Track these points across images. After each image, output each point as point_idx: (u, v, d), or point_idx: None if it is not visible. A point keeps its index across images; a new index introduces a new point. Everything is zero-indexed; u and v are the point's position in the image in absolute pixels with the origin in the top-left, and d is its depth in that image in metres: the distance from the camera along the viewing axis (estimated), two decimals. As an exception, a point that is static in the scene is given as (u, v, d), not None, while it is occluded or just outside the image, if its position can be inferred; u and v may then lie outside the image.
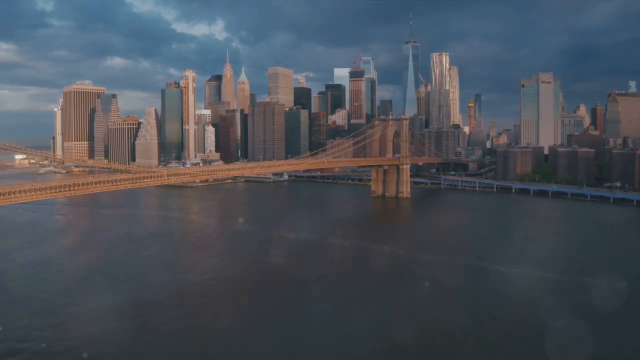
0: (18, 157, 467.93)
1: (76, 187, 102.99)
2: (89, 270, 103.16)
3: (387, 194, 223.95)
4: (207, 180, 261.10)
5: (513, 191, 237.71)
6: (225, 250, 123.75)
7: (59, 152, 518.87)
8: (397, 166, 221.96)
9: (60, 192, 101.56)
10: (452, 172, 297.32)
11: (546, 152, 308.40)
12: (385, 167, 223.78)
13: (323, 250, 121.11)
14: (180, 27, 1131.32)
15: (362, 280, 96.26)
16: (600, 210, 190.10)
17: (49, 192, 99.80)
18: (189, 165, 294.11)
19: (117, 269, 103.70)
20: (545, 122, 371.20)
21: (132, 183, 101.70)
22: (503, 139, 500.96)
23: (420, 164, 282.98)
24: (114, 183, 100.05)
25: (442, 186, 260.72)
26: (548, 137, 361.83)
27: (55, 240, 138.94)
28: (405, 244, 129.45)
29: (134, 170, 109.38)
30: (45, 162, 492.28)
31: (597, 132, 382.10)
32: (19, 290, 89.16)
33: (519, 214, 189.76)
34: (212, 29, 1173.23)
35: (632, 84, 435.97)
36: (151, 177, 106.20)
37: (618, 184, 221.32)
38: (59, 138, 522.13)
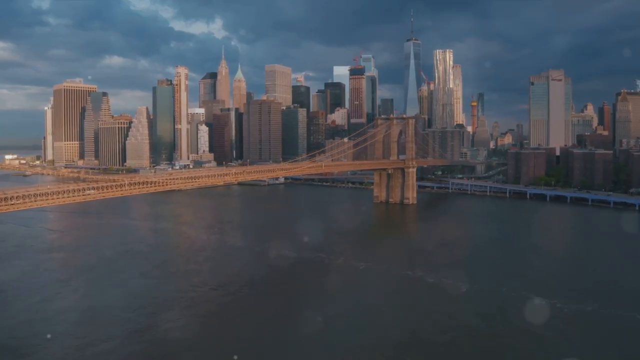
0: (8, 157, 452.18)
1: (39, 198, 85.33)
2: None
3: (391, 199, 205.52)
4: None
5: (528, 197, 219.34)
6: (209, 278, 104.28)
7: (49, 152, 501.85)
8: (403, 169, 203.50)
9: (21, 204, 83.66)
10: (459, 175, 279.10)
11: (557, 153, 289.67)
12: (389, 171, 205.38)
13: (318, 272, 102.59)
14: (178, 26, 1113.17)
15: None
16: (627, 219, 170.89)
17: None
18: (177, 168, 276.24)
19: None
20: (555, 122, 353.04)
21: (88, 196, 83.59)
22: (507, 139, 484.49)
23: (425, 166, 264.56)
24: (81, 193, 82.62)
25: (450, 190, 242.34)
26: (559, 137, 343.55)
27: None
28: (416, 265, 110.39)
29: (95, 179, 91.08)
30: (36, 162, 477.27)
31: (606, 132, 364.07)
32: None
33: (546, 226, 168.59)
34: (210, 28, 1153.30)
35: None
36: (111, 186, 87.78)
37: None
38: (49, 138, 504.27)
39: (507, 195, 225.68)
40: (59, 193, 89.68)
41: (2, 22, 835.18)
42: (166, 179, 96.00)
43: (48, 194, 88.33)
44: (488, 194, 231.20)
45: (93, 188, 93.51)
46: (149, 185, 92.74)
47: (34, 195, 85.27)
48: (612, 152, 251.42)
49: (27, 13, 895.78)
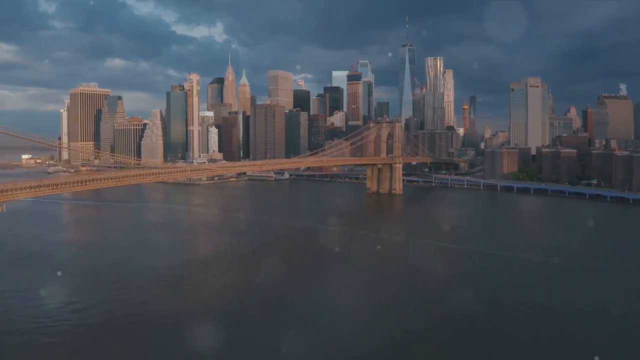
0: (24, 156, 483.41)
1: (104, 180, 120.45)
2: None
3: (381, 190, 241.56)
4: (212, 178, 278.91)
5: (498, 189, 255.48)
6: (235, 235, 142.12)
7: (65, 152, 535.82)
8: (391, 165, 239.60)
9: (80, 186, 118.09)
10: (444, 172, 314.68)
11: (533, 152, 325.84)
12: (379, 166, 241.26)
13: (318, 235, 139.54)
14: (180, 30, 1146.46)
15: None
16: (574, 205, 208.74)
17: (78, 185, 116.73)
18: (197, 164, 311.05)
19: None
20: (533, 124, 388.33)
21: (161, 176, 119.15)
22: (498, 140, 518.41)
23: (414, 163, 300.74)
24: (143, 176, 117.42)
25: (433, 184, 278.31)
26: (536, 138, 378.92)
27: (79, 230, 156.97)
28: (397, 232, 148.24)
29: (161, 166, 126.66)
30: (51, 161, 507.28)
31: (586, 134, 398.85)
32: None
33: (499, 208, 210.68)
34: (211, 31, 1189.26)
35: (623, 87, 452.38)
36: (176, 171, 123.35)
37: (594, 182, 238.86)
38: (65, 138, 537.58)
39: (481, 187, 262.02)
40: (126, 177, 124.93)
41: (9, 25, 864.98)
42: (215, 167, 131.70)
43: (122, 177, 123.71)
44: (465, 186, 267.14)
45: (152, 174, 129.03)
46: (203, 171, 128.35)
47: (117, 177, 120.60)
48: (576, 151, 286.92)
49: (33, 17, 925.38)
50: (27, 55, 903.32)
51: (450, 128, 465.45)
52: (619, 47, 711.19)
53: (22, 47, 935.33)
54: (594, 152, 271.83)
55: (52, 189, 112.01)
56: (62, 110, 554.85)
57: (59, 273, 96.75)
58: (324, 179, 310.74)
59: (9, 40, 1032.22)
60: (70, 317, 75.27)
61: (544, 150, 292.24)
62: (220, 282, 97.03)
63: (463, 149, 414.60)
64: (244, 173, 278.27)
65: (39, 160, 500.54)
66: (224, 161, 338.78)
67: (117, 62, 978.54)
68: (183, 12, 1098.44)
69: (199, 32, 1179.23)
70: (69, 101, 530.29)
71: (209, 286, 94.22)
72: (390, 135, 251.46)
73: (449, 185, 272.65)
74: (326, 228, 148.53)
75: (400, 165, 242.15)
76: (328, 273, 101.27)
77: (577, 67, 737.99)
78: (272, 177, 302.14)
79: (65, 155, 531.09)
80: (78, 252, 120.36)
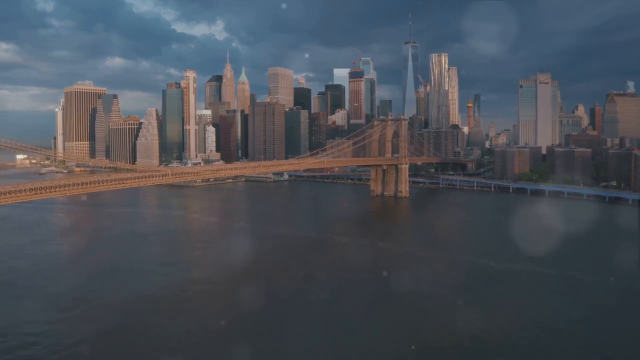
0: (19, 157, 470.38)
1: (80, 186, 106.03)
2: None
3: (386, 193, 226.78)
4: (208, 180, 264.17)
5: (510, 190, 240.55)
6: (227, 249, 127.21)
7: (60, 152, 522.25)
8: (396, 166, 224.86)
9: (65, 191, 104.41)
10: (451, 172, 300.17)
11: (544, 151, 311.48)
12: (384, 167, 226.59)
13: (320, 247, 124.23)
14: (180, 28, 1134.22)
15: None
16: (594, 209, 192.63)
17: (55, 191, 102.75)
18: (190, 165, 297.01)
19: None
20: (543, 123, 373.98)
21: (137, 181, 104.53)
22: (502, 139, 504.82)
23: (419, 163, 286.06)
24: (121, 182, 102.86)
25: (441, 186, 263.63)
26: (546, 137, 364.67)
27: (64, 238, 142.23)
28: (404, 241, 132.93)
29: (140, 169, 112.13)
30: (46, 161, 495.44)
31: (595, 133, 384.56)
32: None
33: (521, 213, 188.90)
34: (212, 29, 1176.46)
35: (631, 84, 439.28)
36: (156, 175, 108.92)
37: (614, 183, 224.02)
38: (60, 138, 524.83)
39: (492, 189, 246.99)
40: (104, 181, 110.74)
41: (6, 24, 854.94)
42: (201, 170, 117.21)
43: (94, 182, 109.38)
44: (475, 188, 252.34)
45: (135, 177, 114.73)
46: (186, 175, 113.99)
47: (89, 183, 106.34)
48: (591, 150, 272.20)
49: (31, 15, 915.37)
50: (26, 55, 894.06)
51: (455, 126, 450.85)
52: (624, 44, 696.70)
53: (21, 46, 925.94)
54: (610, 151, 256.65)
55: (34, 193, 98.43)
56: (57, 110, 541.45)
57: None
58: (325, 180, 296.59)
59: (8, 39, 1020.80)
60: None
61: (557, 149, 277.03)
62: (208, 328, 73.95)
63: (469, 148, 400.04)
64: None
65: (33, 161, 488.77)
66: (220, 162, 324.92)
67: (117, 61, 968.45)
68: (183, 10, 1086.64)
69: (199, 30, 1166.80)
70: (63, 100, 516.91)
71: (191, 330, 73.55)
72: (396, 134, 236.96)
73: (458, 186, 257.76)
74: (336, 239, 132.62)
75: (407, 166, 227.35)
76: (354, 313, 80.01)
77: (581, 64, 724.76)
78: (270, 178, 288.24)
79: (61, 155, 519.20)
80: (49, 273, 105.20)
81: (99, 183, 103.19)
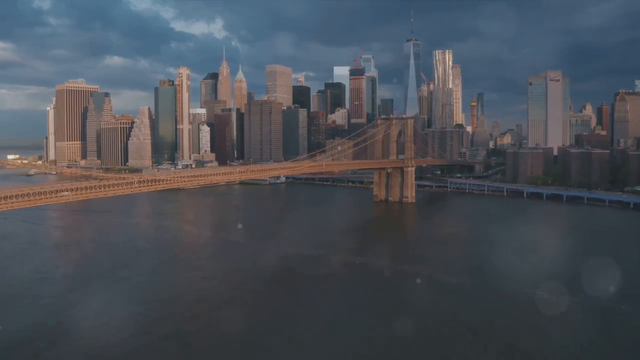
0: (10, 156, 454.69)
1: (65, 192, 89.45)
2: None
3: (390, 198, 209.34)
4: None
5: (525, 195, 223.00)
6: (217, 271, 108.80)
7: (51, 152, 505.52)
8: (402, 169, 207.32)
9: (39, 200, 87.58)
10: (458, 174, 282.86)
11: (555, 153, 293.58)
12: (388, 170, 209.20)
13: (319, 268, 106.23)
14: (178, 26, 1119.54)
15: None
16: (622, 217, 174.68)
17: (29, 200, 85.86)
18: (180, 167, 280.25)
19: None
20: (553, 122, 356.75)
21: (95, 192, 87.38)
22: (507, 139, 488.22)
23: (424, 165, 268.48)
24: (79, 191, 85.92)
25: (449, 189, 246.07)
26: (557, 137, 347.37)
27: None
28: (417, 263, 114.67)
29: (107, 176, 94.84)
30: (39, 162, 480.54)
31: (604, 132, 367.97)
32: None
33: (544, 221, 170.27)
34: (211, 28, 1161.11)
35: (638, 83, 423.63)
36: (120, 184, 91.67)
37: (638, 188, 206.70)
38: (51, 138, 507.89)
39: (505, 194, 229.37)
40: (71, 190, 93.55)
41: (3, 22, 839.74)
42: (173, 177, 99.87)
43: (58, 191, 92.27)
44: (486, 192, 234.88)
45: (102, 186, 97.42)
46: (157, 183, 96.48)
47: (50, 192, 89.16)
48: (608, 152, 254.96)
49: (27, 13, 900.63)
50: (24, 53, 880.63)
51: (460, 126, 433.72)
52: (629, 43, 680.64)
53: (19, 44, 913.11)
54: (631, 153, 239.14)
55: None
56: (49, 109, 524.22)
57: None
58: (324, 182, 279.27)
59: (5, 38, 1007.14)
60: None
61: (572, 151, 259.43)
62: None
63: (474, 148, 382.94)
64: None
65: (25, 161, 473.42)
66: (214, 163, 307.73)
67: (116, 60, 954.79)
68: (181, 8, 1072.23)
69: (198, 28, 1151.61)
70: (55, 99, 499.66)
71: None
72: (400, 134, 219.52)
73: (467, 190, 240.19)
74: (344, 257, 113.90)
75: (413, 169, 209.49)
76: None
77: (585, 63, 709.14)
78: (266, 180, 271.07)
79: (52, 155, 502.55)
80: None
81: (53, 193, 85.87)
